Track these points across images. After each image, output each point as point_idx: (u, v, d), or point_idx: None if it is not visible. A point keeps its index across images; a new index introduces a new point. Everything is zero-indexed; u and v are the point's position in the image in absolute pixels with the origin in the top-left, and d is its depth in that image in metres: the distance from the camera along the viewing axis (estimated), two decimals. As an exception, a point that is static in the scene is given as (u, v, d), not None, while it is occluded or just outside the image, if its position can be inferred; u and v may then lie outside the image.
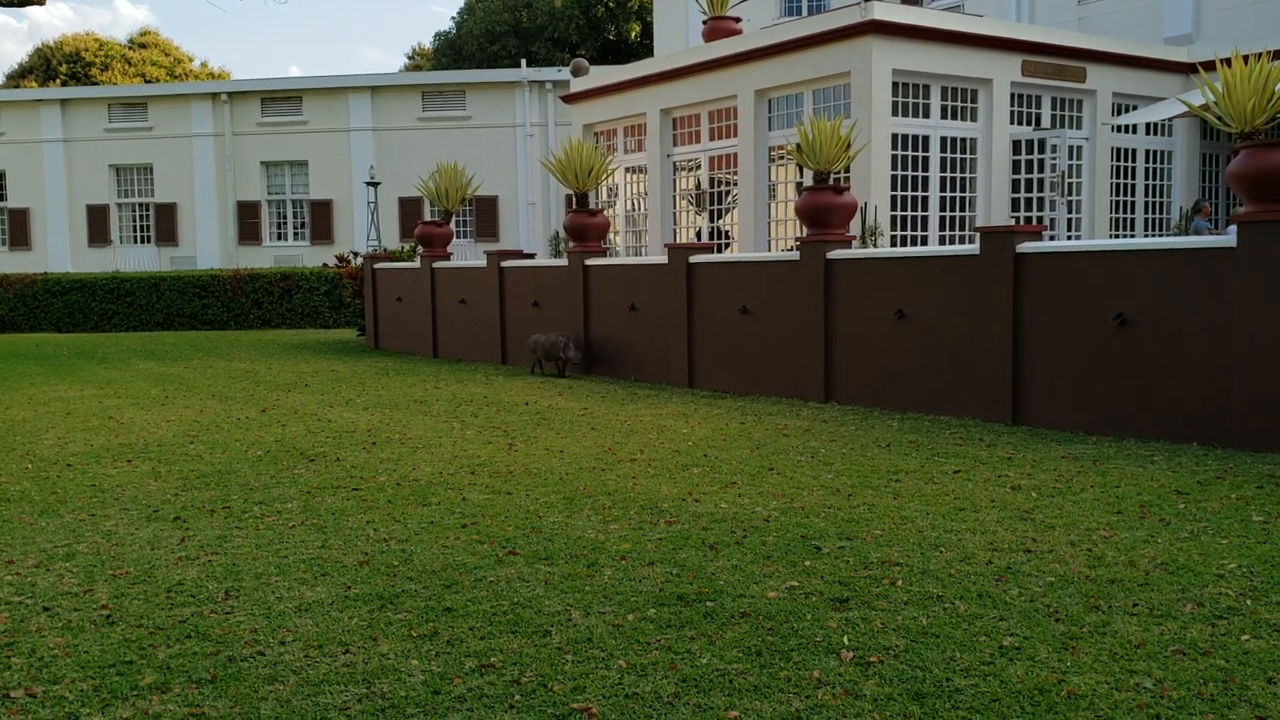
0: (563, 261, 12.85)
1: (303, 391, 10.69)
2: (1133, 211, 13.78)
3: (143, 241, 26.54)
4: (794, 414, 8.94)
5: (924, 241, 12.45)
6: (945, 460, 6.51)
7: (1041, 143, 12.45)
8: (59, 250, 25.73)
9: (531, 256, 14.36)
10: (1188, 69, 13.49)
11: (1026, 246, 7.78)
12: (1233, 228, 6.57)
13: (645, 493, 5.74)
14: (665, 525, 4.95)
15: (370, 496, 5.68)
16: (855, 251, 9.50)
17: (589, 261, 12.28)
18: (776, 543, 4.54)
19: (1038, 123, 12.89)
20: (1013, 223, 12.76)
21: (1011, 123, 12.76)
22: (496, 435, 7.95)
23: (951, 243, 12.55)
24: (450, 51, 35.78)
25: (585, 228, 12.32)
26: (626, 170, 16.53)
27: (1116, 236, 14.42)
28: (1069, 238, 13.30)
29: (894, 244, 12.27)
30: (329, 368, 13.24)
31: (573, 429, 8.22)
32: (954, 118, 12.38)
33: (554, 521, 5.05)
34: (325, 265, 21.49)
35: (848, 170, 12.13)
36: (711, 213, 14.83)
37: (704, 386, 10.86)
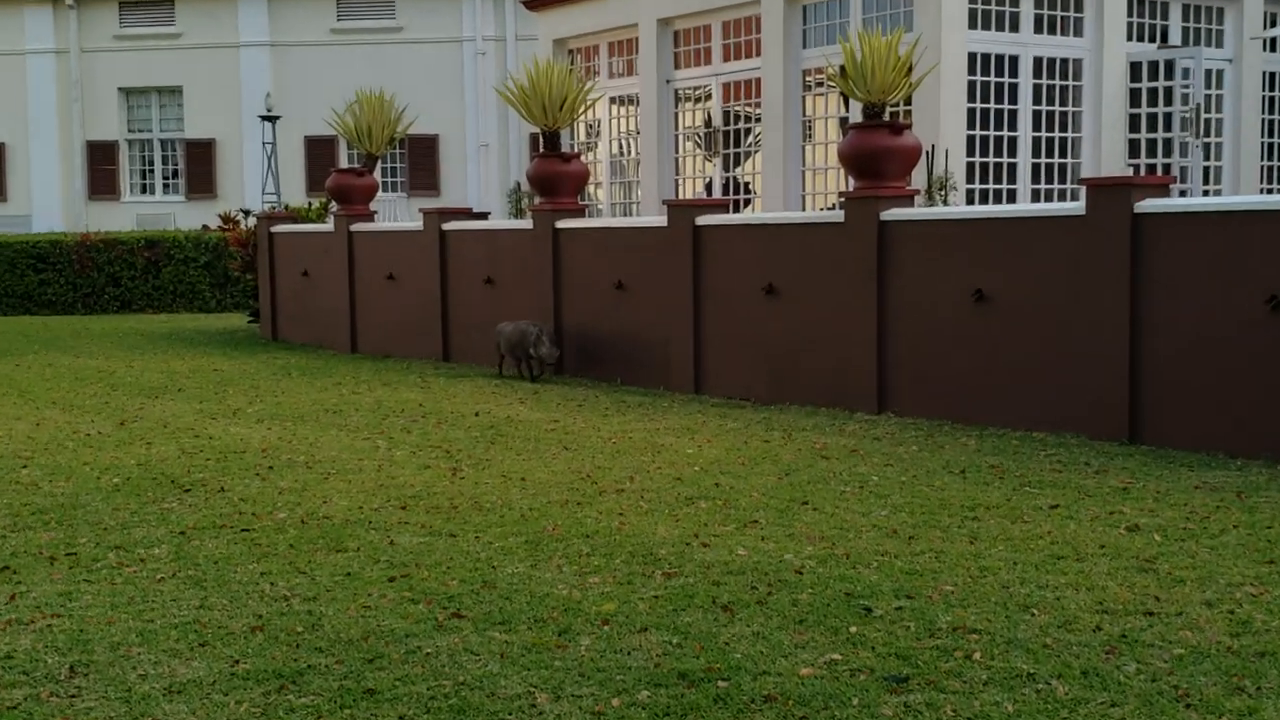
0: (525, 223, 12.91)
1: (175, 398, 10.67)
2: (1293, 157, 14.70)
3: (-49, 196, 27.53)
4: (836, 429, 8.97)
5: (1011, 198, 12.45)
6: (1039, 492, 6.52)
7: (1169, 65, 12.28)
8: None
9: (484, 217, 14.51)
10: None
11: (1149, 205, 7.66)
12: None
13: (636, 535, 5.76)
14: (662, 578, 4.97)
15: (265, 540, 5.68)
16: (919, 211, 9.52)
17: (561, 224, 12.32)
18: (812, 602, 4.52)
19: (1164, 38, 12.75)
20: (1130, 173, 12.70)
21: (1129, 38, 12.62)
22: (436, 457, 7.99)
23: (1048, 199, 12.54)
24: (375, -61, 37.07)
25: (556, 178, 12.33)
26: (612, 101, 16.56)
27: (1269, 191, 14.68)
28: (1206, 192, 13.28)
29: (970, 201, 12.28)
30: (210, 366, 13.25)
31: (539, 449, 8.27)
32: (1052, 31, 12.16)
33: (513, 573, 5.07)
34: (206, 228, 20.79)
35: (909, 102, 12.11)
36: (726, 158, 14.85)
37: (715, 391, 10.90)
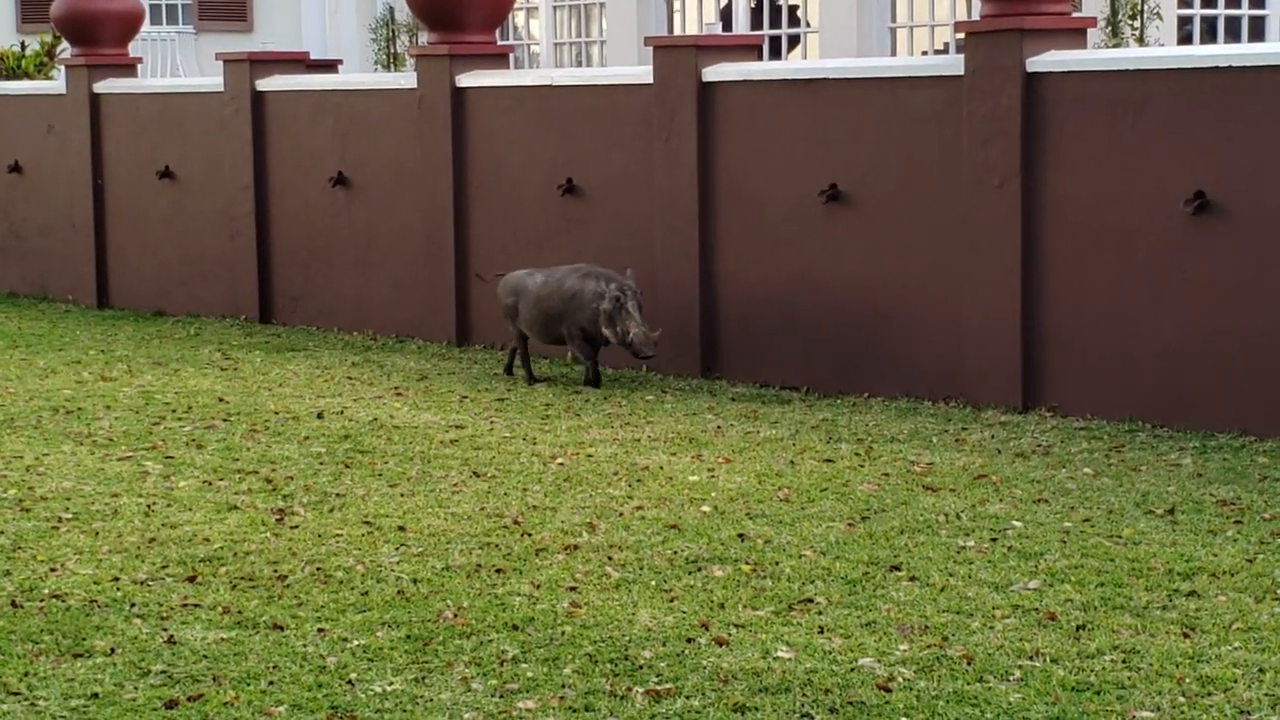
0: (404, 79, 13.41)
1: None
2: None
3: None
4: (948, 437, 9.27)
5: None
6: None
7: None
8: None
9: (332, 68, 14.37)
10: None
11: None
12: None
13: (601, 625, 5.80)
14: (646, 701, 4.98)
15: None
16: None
17: (466, 79, 12.64)
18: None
19: None
20: None
21: None
22: (250, 491, 8.09)
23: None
24: None
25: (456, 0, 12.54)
26: None
27: None
28: None
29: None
30: None
31: (429, 476, 8.37)
32: None
33: (384, 696, 5.07)
34: None
35: None
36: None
37: (737, 375, 11.28)
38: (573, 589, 6.32)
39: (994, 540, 6.94)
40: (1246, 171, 9.05)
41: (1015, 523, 7.22)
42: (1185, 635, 5.62)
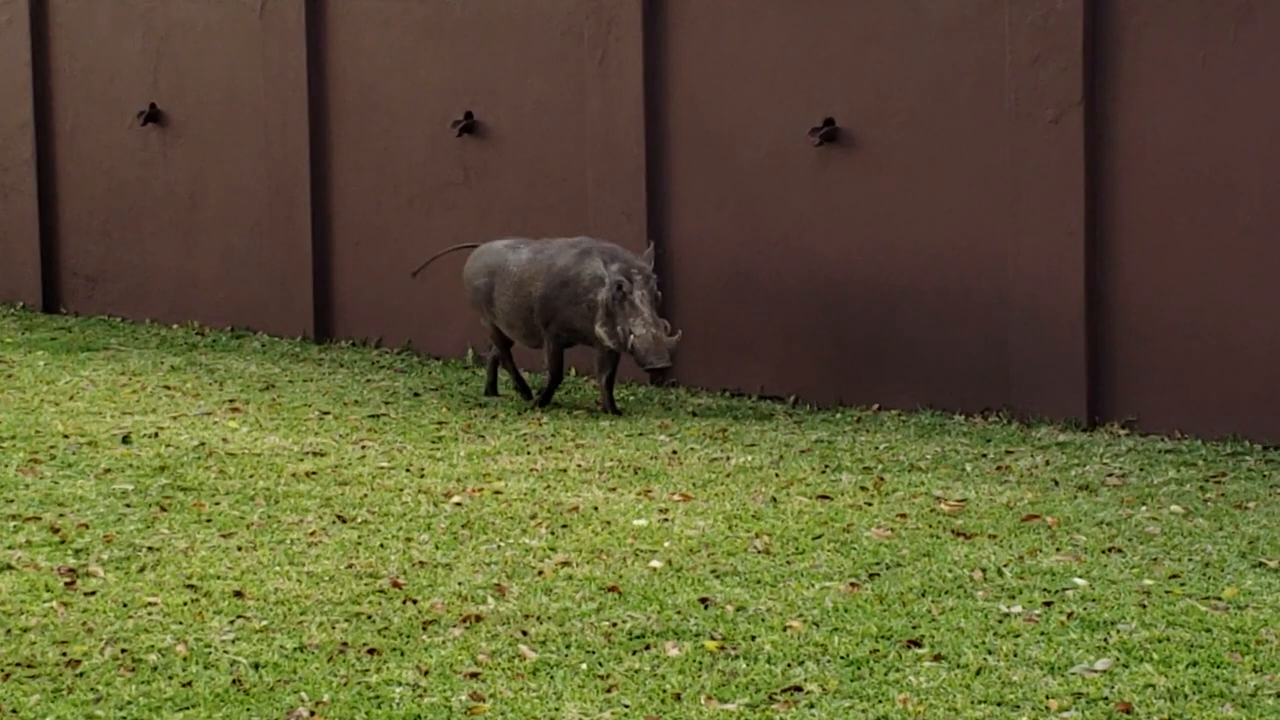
0: None
1: None
2: None
3: None
4: (987, 464, 9.38)
5: None
6: None
7: None
8: None
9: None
10: None
11: None
12: None
13: None
14: None
15: None
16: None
17: None
18: None
19: None
20: None
21: None
22: (30, 542, 8.11)
23: None
24: None
25: None
26: None
27: None
28: None
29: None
30: None
31: (274, 520, 8.43)
32: None
33: None
34: None
35: None
36: None
37: (699, 381, 11.57)
38: (474, 675, 6.27)
39: (1048, 605, 6.96)
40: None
41: (1078, 580, 7.25)
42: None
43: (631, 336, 10.65)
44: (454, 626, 6.81)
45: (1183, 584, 7.16)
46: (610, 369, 11.12)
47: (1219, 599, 6.95)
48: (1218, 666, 6.23)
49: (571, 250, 11.13)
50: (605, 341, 10.86)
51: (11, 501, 8.68)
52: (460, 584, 7.34)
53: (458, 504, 8.55)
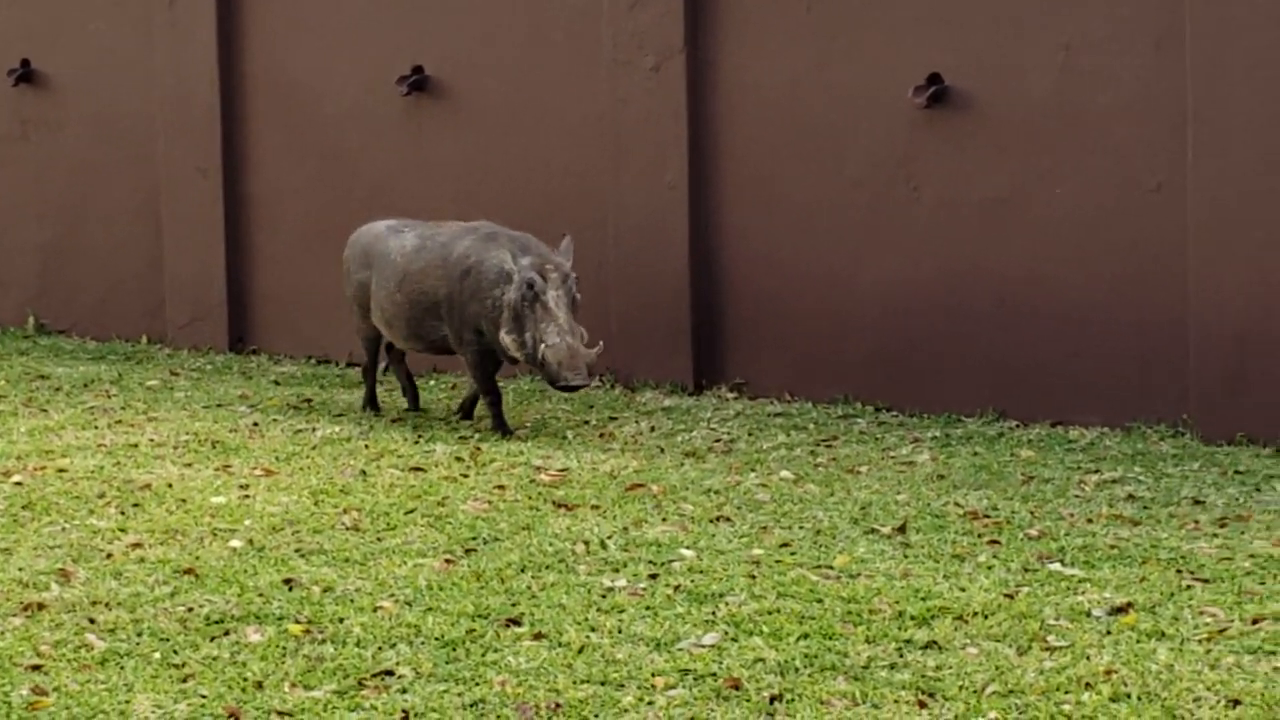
0: None
1: None
2: None
3: None
4: (590, 431, 9.30)
5: None
6: None
7: None
8: None
9: None
10: None
11: None
12: None
13: (76, 719, 5.68)
14: None
15: None
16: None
17: None
18: None
19: None
20: None
21: None
22: None
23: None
24: None
25: None
26: None
27: None
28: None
29: None
30: None
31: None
32: None
33: None
34: None
35: None
36: None
37: (279, 347, 11.79)
38: (36, 668, 6.09)
39: (654, 578, 6.97)
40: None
41: (685, 551, 7.25)
42: (921, 704, 5.65)
43: (542, 346, 9.42)
44: (13, 616, 6.59)
45: (793, 553, 7.21)
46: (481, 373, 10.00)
47: (830, 568, 7.02)
48: (829, 638, 6.30)
49: (470, 235, 9.89)
50: (510, 350, 9.60)
51: None
52: (21, 569, 7.11)
53: (18, 483, 8.29)
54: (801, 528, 7.62)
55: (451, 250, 9.83)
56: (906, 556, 7.21)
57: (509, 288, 9.51)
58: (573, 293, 9.55)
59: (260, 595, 6.81)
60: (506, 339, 9.47)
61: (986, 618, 6.46)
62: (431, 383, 10.86)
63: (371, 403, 10.40)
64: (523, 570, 7.08)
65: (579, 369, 9.35)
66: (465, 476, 8.37)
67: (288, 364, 11.21)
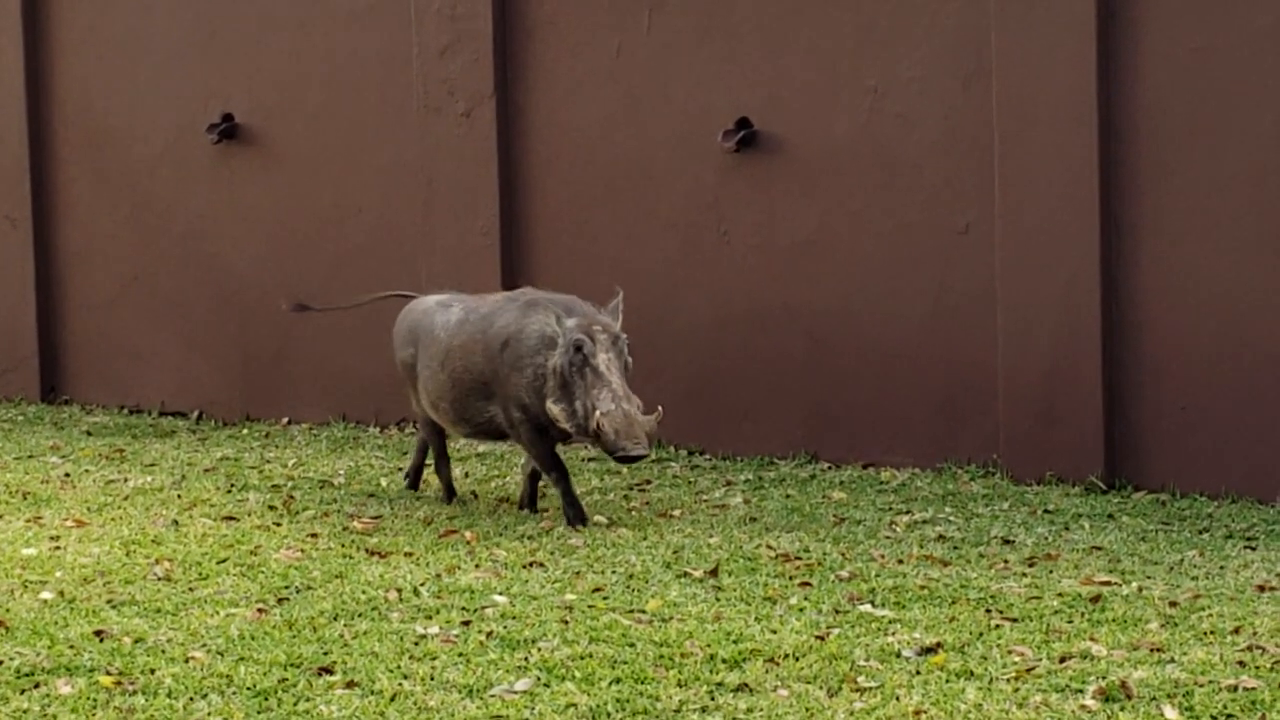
0: None
1: None
2: None
3: None
4: (398, 475, 9.18)
5: None
6: None
7: None
8: None
9: None
10: None
11: None
12: None
13: None
14: None
15: None
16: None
17: None
18: None
19: None
20: None
21: None
22: None
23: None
24: None
25: None
26: None
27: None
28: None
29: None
30: None
31: None
32: None
33: None
34: None
35: None
36: None
37: (93, 398, 11.59)
38: None
39: (467, 624, 7.06)
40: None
41: (498, 598, 7.37)
42: None
43: (596, 414, 8.72)
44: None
45: (606, 598, 7.34)
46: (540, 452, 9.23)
47: (643, 612, 7.15)
48: (641, 682, 6.38)
49: (512, 305, 9.34)
50: (560, 422, 8.91)
51: None
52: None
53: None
54: (614, 572, 7.71)
55: (493, 322, 9.28)
56: (719, 599, 7.30)
57: (553, 353, 8.92)
58: (625, 355, 9.00)
59: (71, 647, 6.79)
60: (554, 409, 8.86)
61: (797, 659, 6.57)
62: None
63: (413, 482, 9.76)
64: (335, 618, 7.11)
65: (639, 437, 8.72)
66: (278, 525, 8.42)
67: (100, 414, 11.22)
